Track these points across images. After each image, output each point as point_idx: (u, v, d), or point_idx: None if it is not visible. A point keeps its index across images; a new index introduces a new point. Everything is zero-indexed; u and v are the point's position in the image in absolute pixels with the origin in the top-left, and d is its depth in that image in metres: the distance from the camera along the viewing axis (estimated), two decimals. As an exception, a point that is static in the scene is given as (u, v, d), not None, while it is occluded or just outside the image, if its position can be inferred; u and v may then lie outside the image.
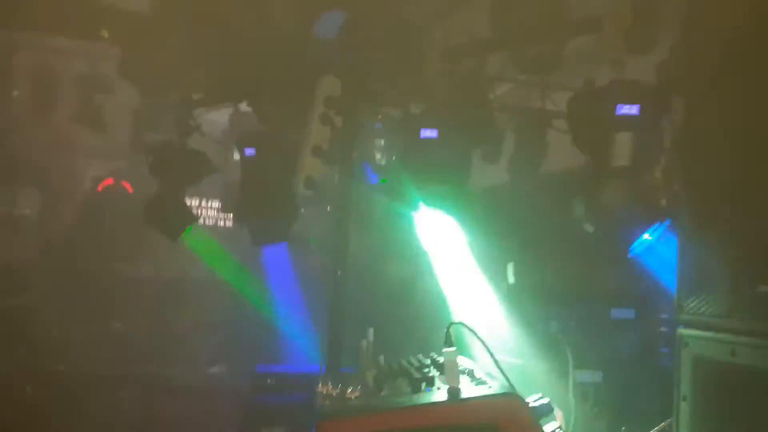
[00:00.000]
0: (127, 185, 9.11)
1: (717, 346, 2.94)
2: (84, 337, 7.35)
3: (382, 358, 3.81)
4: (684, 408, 3.13)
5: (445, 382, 2.86)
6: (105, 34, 5.96)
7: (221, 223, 9.40)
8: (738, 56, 2.95)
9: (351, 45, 5.14)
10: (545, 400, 3.25)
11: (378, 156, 6.29)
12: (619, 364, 4.01)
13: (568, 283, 4.26)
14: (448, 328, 3.40)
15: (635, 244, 4.34)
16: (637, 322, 4.23)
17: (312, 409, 3.06)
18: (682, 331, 3.11)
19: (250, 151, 5.64)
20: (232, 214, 8.77)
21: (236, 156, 7.23)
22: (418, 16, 5.40)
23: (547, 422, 2.89)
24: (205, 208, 9.02)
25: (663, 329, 4.38)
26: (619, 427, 3.75)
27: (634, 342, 4.16)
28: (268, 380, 5.55)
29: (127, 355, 7.44)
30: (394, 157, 6.57)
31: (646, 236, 4.24)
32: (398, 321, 4.65)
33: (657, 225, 4.21)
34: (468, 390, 2.73)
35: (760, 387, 2.85)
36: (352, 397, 2.88)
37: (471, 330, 3.54)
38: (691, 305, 3.08)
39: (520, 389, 2.83)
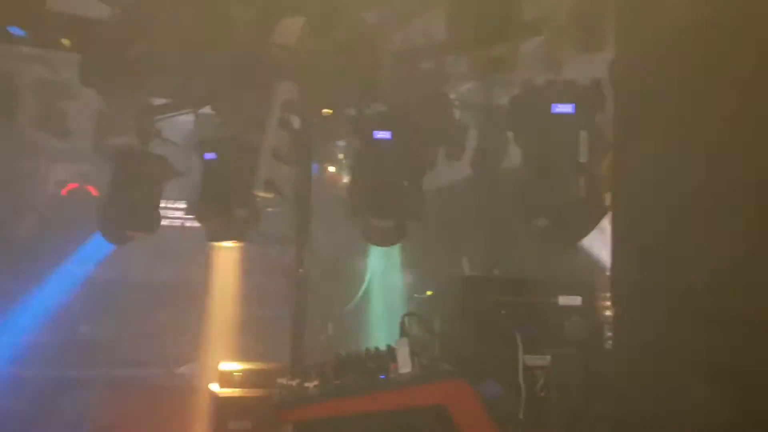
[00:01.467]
0: (91, 189, 9.13)
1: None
2: (52, 341, 7.40)
3: (342, 350, 4.02)
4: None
5: (397, 370, 3.07)
6: (66, 43, 6.02)
7: (188, 224, 9.46)
8: (666, 56, 3.17)
9: (309, 50, 5.30)
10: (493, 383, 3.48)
11: (340, 156, 6.47)
12: (567, 348, 4.24)
13: (519, 273, 4.49)
14: (402, 319, 3.62)
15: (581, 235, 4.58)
16: (583, 308, 4.45)
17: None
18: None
19: (210, 156, 5.78)
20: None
21: (192, 161, 7.37)
22: (376, 20, 5.58)
23: None
24: (171, 209, 9.08)
25: (608, 314, 4.62)
26: (566, 408, 4.00)
27: (581, 328, 4.38)
28: (234, 375, 5.69)
29: (95, 358, 7.51)
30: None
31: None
32: (362, 315, 4.84)
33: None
34: (418, 376, 2.95)
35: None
36: (311, 387, 3.08)
37: (423, 320, 3.76)
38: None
39: (470, 374, 3.06)
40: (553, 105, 3.82)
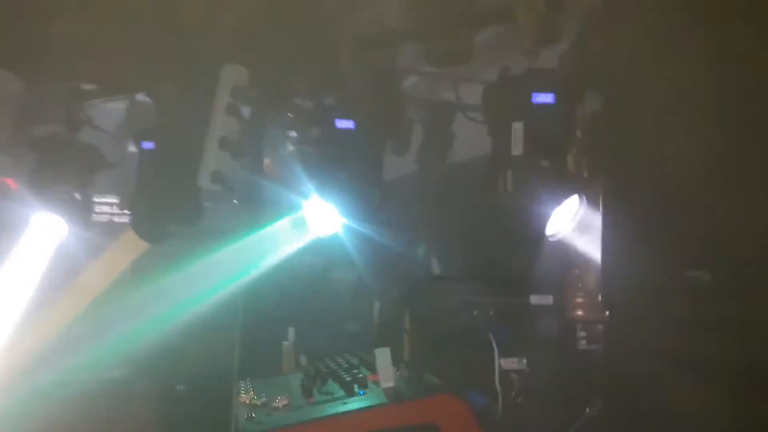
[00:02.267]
0: (10, 181, 8.44)
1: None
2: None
3: (303, 359, 3.68)
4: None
5: (377, 383, 2.76)
6: (-20, 18, 5.45)
7: (117, 220, 8.88)
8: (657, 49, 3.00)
9: (258, 32, 4.91)
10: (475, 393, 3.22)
11: (290, 148, 6.09)
12: (540, 350, 4.04)
13: (487, 272, 4.25)
14: (378, 325, 3.31)
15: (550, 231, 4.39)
16: (555, 307, 4.27)
17: (230, 419, 2.89)
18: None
19: (148, 145, 5.30)
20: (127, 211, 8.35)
21: (132, 149, 6.85)
22: (330, 4, 5.23)
23: None
24: (99, 204, 8.49)
25: (579, 312, 4.46)
26: (544, 414, 3.79)
27: (553, 328, 4.20)
28: (178, 387, 5.26)
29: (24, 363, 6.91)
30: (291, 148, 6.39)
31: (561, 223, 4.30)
32: (312, 317, 4.48)
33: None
34: (405, 390, 2.64)
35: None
36: (280, 406, 2.72)
37: (404, 328, 3.47)
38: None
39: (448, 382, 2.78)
40: (533, 94, 3.57)
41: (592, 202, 3.96)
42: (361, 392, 2.73)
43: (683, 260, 3.11)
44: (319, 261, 5.85)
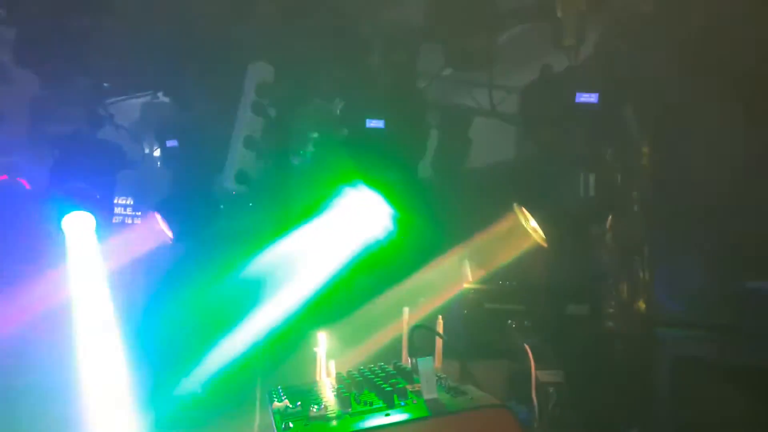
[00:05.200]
0: (23, 182, 8.35)
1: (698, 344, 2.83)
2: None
3: (333, 364, 3.53)
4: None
5: (418, 394, 2.61)
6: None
7: (129, 221, 8.78)
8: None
9: (285, 31, 4.80)
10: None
11: (311, 148, 5.97)
12: (577, 361, 3.89)
13: (521, 281, 4.10)
14: (411, 333, 3.16)
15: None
16: (591, 318, 4.12)
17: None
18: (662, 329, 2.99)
19: (171, 143, 5.19)
20: (140, 213, 8.25)
21: (146, 150, 6.74)
22: (353, 5, 5.12)
23: None
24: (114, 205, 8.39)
25: (610, 324, 4.30)
26: (582, 428, 3.64)
27: (589, 338, 4.05)
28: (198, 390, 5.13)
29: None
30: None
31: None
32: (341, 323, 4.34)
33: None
34: (450, 402, 2.49)
35: (740, 384, 2.76)
36: (318, 415, 2.57)
37: (438, 335, 3.32)
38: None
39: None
40: (577, 94, 3.43)
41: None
42: (402, 403, 2.57)
43: (736, 269, 2.94)
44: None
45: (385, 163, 3.87)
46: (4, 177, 8.49)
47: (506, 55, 5.22)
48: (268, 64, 4.66)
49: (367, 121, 4.02)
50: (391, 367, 3.14)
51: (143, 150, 6.73)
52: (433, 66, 5.42)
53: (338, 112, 4.47)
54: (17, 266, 7.47)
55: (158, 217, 5.32)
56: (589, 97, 3.49)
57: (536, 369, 3.66)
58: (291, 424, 2.50)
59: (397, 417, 2.42)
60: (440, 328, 3.55)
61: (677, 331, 2.95)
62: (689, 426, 3.05)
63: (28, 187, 8.39)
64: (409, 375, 2.92)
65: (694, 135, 3.18)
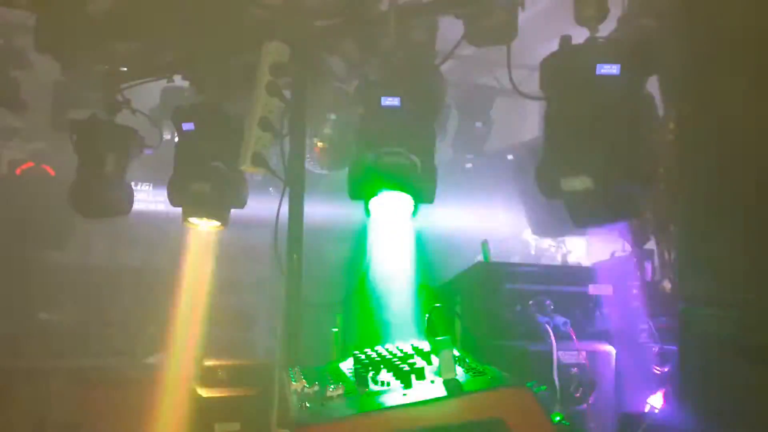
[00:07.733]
0: (48, 168, 8.42)
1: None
2: (9, 330, 6.72)
3: (355, 348, 3.50)
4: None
5: (437, 374, 2.57)
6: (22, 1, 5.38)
7: (152, 207, 8.81)
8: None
9: (300, 8, 4.73)
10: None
11: (328, 131, 5.91)
12: (600, 342, 3.81)
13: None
14: (430, 314, 3.12)
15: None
16: (614, 297, 4.04)
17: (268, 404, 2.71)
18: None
19: (188, 126, 5.16)
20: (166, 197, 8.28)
21: (167, 135, 6.73)
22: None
23: None
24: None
25: (635, 304, 4.22)
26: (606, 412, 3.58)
27: (612, 319, 3.97)
28: (219, 373, 5.14)
29: (56, 347, 6.87)
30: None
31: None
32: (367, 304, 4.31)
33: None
34: (468, 382, 2.44)
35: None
36: (335, 396, 2.54)
37: (456, 315, 3.28)
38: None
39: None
40: (598, 66, 3.32)
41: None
42: (420, 383, 2.53)
43: (764, 247, 2.83)
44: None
45: (400, 142, 3.79)
46: (30, 164, 8.57)
47: (528, 31, 5.11)
48: (283, 44, 4.58)
49: (383, 99, 3.93)
50: (408, 347, 3.10)
51: (161, 135, 6.72)
52: (452, 44, 5.31)
53: (356, 90, 4.38)
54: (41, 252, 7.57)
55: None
56: (611, 68, 3.37)
57: (558, 350, 3.60)
58: (308, 404, 2.48)
59: (414, 397, 2.38)
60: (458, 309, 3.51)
61: (702, 309, 2.85)
62: (715, 404, 2.96)
63: (52, 173, 8.46)
64: (427, 355, 2.88)
65: (720, 111, 3.05)
